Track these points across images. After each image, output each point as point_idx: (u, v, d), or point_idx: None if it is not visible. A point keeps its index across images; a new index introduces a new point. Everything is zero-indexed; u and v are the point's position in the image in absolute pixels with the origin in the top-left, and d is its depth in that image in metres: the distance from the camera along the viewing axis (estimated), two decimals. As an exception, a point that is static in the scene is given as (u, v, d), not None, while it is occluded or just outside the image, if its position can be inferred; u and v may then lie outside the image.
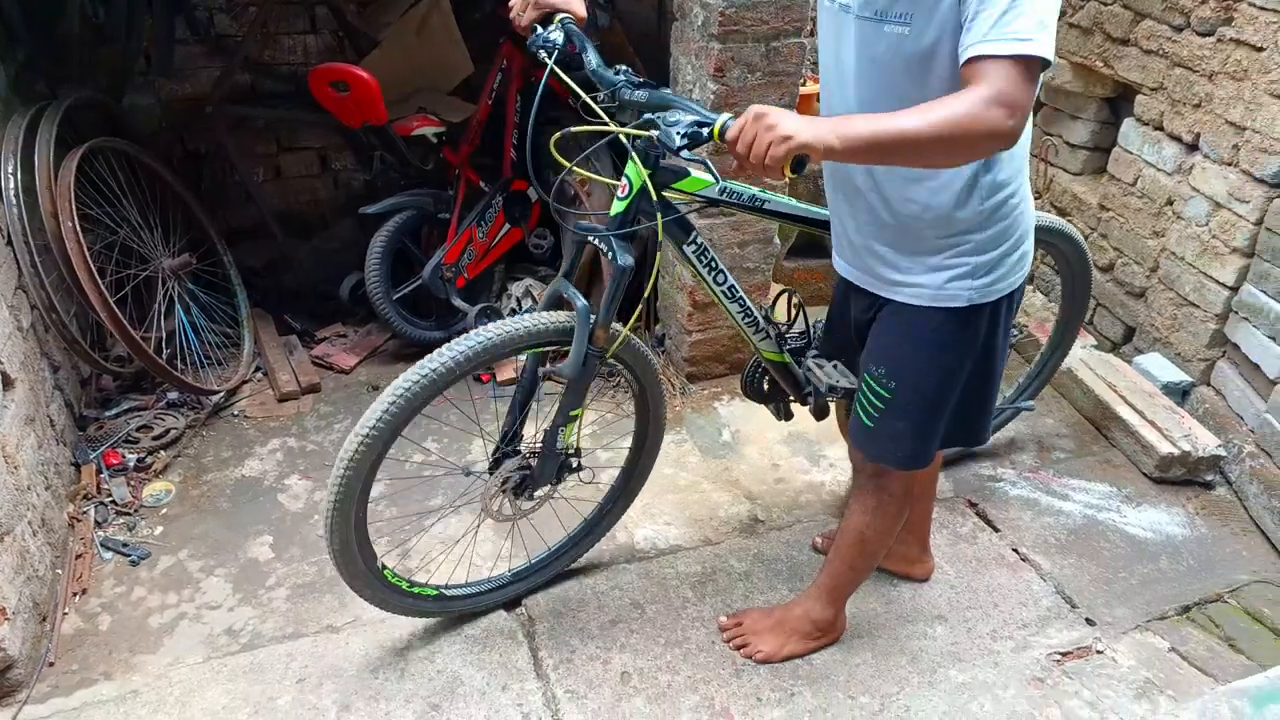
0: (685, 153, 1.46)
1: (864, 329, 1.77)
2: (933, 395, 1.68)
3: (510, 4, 1.83)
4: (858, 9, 1.43)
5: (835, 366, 2.15)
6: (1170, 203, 2.94)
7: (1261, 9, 2.51)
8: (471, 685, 1.94)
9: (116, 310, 2.41)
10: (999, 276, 1.58)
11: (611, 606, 2.16)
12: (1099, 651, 2.08)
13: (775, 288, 3.12)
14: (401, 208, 3.01)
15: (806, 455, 2.73)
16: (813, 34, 1.97)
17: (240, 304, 3.12)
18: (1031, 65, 1.24)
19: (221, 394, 2.81)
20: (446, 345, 1.71)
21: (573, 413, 1.86)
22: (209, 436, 2.71)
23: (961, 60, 1.28)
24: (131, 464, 2.50)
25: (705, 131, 1.43)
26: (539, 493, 2.02)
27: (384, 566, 1.93)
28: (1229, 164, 2.67)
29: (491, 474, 1.96)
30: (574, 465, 2.00)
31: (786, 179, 1.32)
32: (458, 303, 3.11)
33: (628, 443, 2.18)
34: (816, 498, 2.58)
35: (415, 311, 3.16)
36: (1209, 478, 2.65)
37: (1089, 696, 1.96)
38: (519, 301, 3.26)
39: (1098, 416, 2.88)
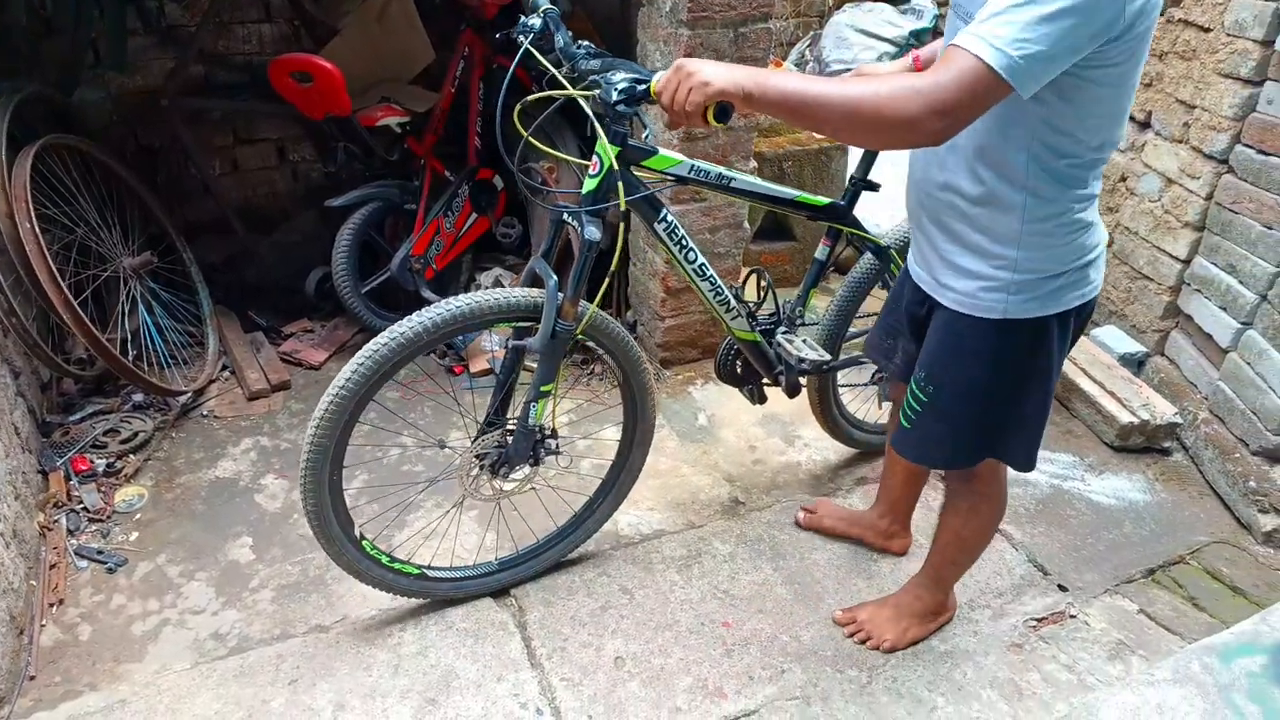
0: (622, 107, 1.59)
1: (918, 325, 1.76)
2: (968, 404, 1.66)
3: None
4: (955, 5, 1.47)
5: (805, 341, 2.21)
6: (1124, 179, 3.03)
7: (1209, -10, 2.60)
8: (466, 678, 1.95)
9: (80, 312, 2.35)
10: (1040, 295, 1.53)
11: (601, 593, 2.18)
12: (1072, 616, 2.16)
13: (745, 270, 3.16)
14: (367, 200, 2.97)
15: (781, 436, 2.78)
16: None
17: (202, 301, 3.06)
18: (982, 75, 1.18)
19: (189, 394, 2.76)
20: (417, 313, 1.75)
21: (544, 388, 1.89)
22: (179, 438, 2.66)
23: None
24: (101, 469, 2.45)
25: (641, 88, 1.56)
26: (517, 473, 2.03)
27: (362, 536, 1.95)
28: (1180, 141, 2.76)
29: (473, 443, 1.98)
30: (551, 447, 2.02)
31: (711, 127, 1.40)
32: (427, 294, 3.08)
33: (612, 434, 2.19)
34: (794, 477, 2.62)
35: (383, 304, 3.13)
36: (1167, 444, 2.76)
37: (1066, 660, 2.03)
38: (488, 291, 3.24)
39: (1059, 389, 2.97)
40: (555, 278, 1.79)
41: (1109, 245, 3.12)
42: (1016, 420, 1.68)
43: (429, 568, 2.08)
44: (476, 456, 1.98)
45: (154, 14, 2.94)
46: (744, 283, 2.28)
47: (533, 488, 2.09)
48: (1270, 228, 2.46)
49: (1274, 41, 2.42)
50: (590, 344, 1.98)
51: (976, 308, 1.57)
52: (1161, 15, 2.75)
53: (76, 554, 2.23)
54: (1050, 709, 1.91)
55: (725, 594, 2.19)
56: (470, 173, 3.21)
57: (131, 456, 2.53)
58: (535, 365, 1.88)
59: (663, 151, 1.82)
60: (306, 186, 3.46)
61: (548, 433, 2.00)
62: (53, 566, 2.17)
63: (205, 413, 2.77)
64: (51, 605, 2.09)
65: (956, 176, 1.50)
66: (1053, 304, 1.54)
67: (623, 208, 1.75)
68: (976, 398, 1.65)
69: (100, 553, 2.23)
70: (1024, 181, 1.44)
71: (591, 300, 1.88)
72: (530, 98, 1.73)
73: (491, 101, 3.23)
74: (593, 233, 1.74)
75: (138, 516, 2.37)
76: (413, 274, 3.06)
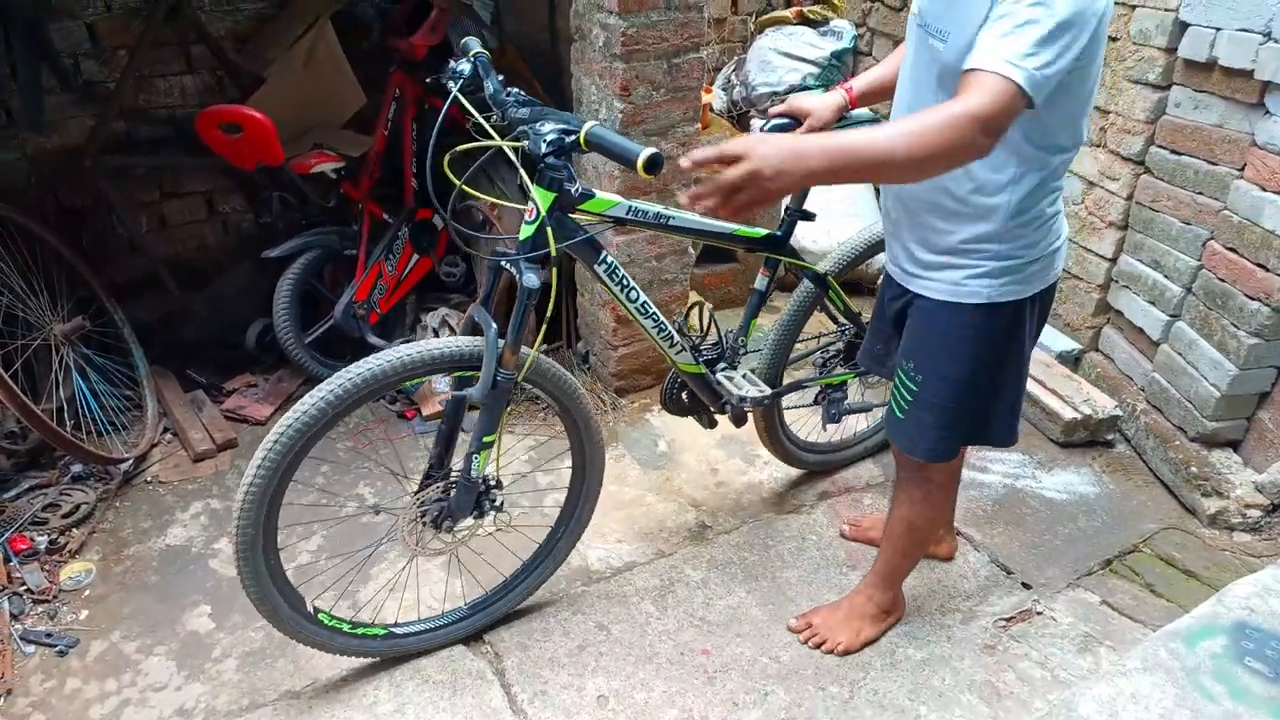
0: (551, 159, 1.60)
1: (897, 319, 1.84)
2: (954, 389, 1.74)
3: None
4: (921, 21, 1.55)
5: (745, 376, 2.23)
6: (1047, 184, 3.14)
7: (1114, 3, 2.72)
8: (448, 732, 1.91)
9: (10, 384, 2.25)
10: (1019, 279, 1.63)
11: (577, 632, 2.15)
12: (1039, 613, 2.22)
13: (693, 296, 3.18)
14: (307, 248, 2.92)
15: (741, 456, 2.80)
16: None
17: (138, 363, 2.96)
18: (1013, 92, 1.29)
19: (130, 461, 2.65)
20: (346, 369, 1.71)
21: (486, 439, 1.84)
22: (124, 508, 2.55)
23: (964, 66, 1.34)
24: (43, 547, 2.33)
25: (569, 139, 1.58)
26: (461, 526, 1.96)
27: (316, 610, 1.90)
28: (1098, 145, 2.88)
29: (413, 498, 1.93)
30: (494, 500, 1.95)
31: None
32: (374, 340, 3.03)
33: (567, 463, 2.17)
34: (757, 497, 2.64)
35: (328, 353, 3.07)
36: (1109, 437, 2.86)
37: (1038, 657, 2.08)
38: (435, 332, 3.21)
39: (1003, 390, 3.05)
40: (495, 326, 1.76)
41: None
42: (997, 402, 1.78)
43: (396, 625, 2.04)
44: (419, 511, 1.92)
45: (70, 72, 2.85)
46: (687, 314, 2.29)
47: (490, 532, 2.05)
48: (1189, 223, 2.59)
49: (1176, 49, 2.55)
50: (535, 390, 1.95)
51: (959, 294, 1.65)
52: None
53: (22, 639, 2.12)
54: (1028, 707, 1.95)
55: (702, 621, 2.19)
56: (409, 214, 3.18)
57: (75, 531, 2.42)
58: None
59: (600, 194, 1.81)
60: (239, 238, 3.37)
61: (492, 483, 1.95)
62: (-2, 655, 2.06)
63: (149, 479, 2.67)
64: (-1, 696, 1.98)
65: (949, 179, 1.57)
66: (1028, 287, 1.65)
67: (554, 254, 1.71)
68: (962, 384, 1.73)
69: (49, 635, 2.12)
70: (1010, 180, 1.54)
71: (538, 337, 1.87)
72: (459, 148, 1.72)
73: (425, 142, 3.22)
74: (531, 280, 1.71)
75: (86, 593, 2.26)
76: (357, 320, 3.01)
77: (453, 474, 1.92)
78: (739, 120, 4.09)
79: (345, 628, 1.94)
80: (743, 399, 2.19)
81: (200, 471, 2.71)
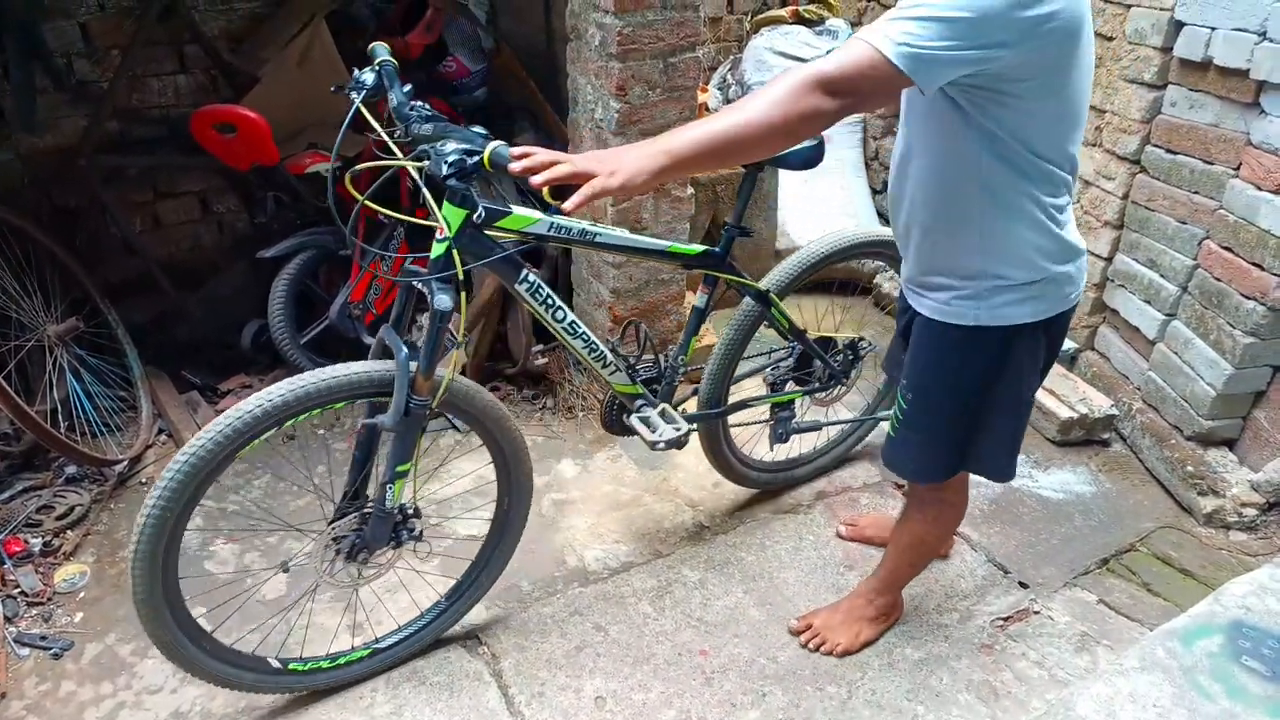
0: (454, 182, 1.53)
1: (905, 332, 1.83)
2: (939, 412, 1.71)
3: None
4: None
5: (662, 414, 2.16)
6: (1043, 184, 3.14)
7: (1108, 2, 2.73)
8: (445, 733, 1.90)
9: (4, 385, 2.24)
10: (1011, 302, 1.57)
11: (574, 633, 2.15)
12: (1036, 612, 2.22)
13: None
14: (302, 248, 2.91)
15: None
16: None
17: (132, 364, 2.94)
18: (872, 56, 1.27)
19: (125, 462, 2.64)
20: (255, 395, 1.63)
21: (400, 468, 1.77)
22: (119, 509, 2.54)
23: None
24: (37, 549, 2.32)
25: (471, 160, 1.51)
26: (378, 556, 1.90)
27: (285, 663, 1.89)
28: (1093, 144, 2.89)
29: (321, 536, 1.85)
30: (412, 529, 1.90)
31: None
32: (369, 340, 3.01)
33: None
34: (755, 497, 2.64)
35: (322, 353, 3.05)
36: (1105, 436, 2.86)
37: (1035, 656, 2.08)
38: (431, 332, 3.20)
39: (1000, 389, 3.06)
40: (405, 349, 1.68)
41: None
42: (986, 434, 1.72)
43: (377, 641, 2.02)
44: (333, 543, 1.85)
45: (63, 71, 2.83)
46: (623, 333, 2.25)
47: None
48: (1184, 222, 2.59)
49: (1172, 48, 2.55)
50: (442, 411, 1.82)
51: (947, 314, 1.63)
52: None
53: (17, 641, 2.10)
54: (1026, 707, 1.95)
55: (699, 622, 2.19)
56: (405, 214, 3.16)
57: (69, 533, 2.41)
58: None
59: (517, 211, 1.73)
60: (233, 238, 3.36)
61: (410, 512, 1.88)
62: (-9, 658, 2.05)
63: (144, 480, 2.66)
64: (-7, 700, 1.97)
65: (916, 198, 1.58)
66: (1021, 313, 1.58)
67: (459, 275, 1.63)
68: (945, 408, 1.71)
69: (43, 638, 2.11)
70: (976, 198, 1.50)
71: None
72: (358, 167, 1.63)
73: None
74: (444, 301, 1.64)
75: (81, 596, 2.25)
76: (352, 320, 3.00)
77: (367, 506, 1.85)
78: (735, 119, 4.09)
79: (324, 665, 1.92)
80: (655, 444, 2.10)
81: (195, 473, 2.69)
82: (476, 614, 2.14)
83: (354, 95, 1.70)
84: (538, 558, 2.36)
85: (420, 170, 1.59)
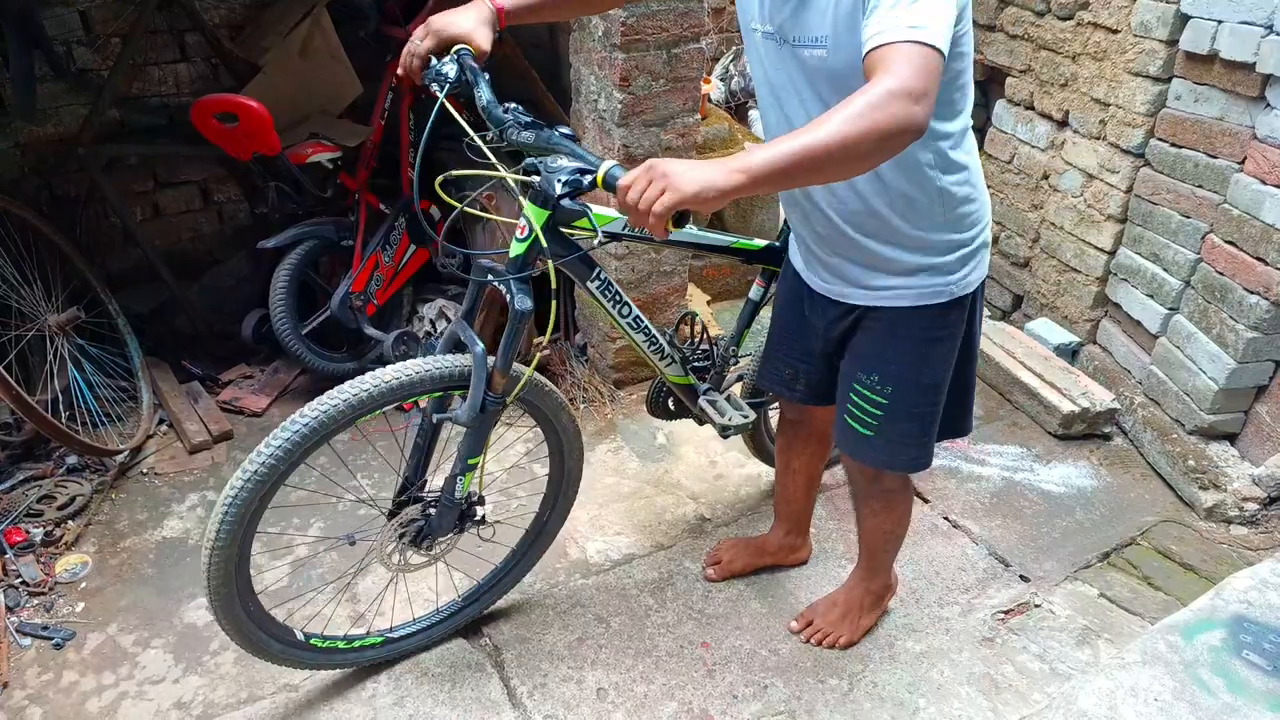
0: (567, 202, 1.44)
1: (841, 337, 1.75)
2: (930, 393, 1.71)
3: (413, 35, 1.68)
4: (778, 36, 1.45)
5: (729, 399, 2.16)
6: (1046, 177, 3.14)
7: (1115, -6, 2.72)
8: (447, 724, 1.91)
9: (5, 375, 2.23)
10: (970, 269, 1.63)
11: (576, 625, 2.15)
12: (1037, 605, 2.22)
13: (695, 298, 3.18)
14: (303, 238, 2.89)
15: (740, 449, 2.78)
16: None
17: (133, 354, 2.93)
18: (927, 51, 1.21)
19: (126, 452, 2.64)
20: (328, 393, 1.61)
21: (471, 461, 1.78)
22: (120, 499, 2.54)
23: (863, 54, 1.26)
24: (38, 539, 2.32)
25: (587, 180, 1.40)
26: (440, 543, 1.92)
27: (308, 637, 1.87)
28: (1097, 138, 2.88)
29: (389, 522, 1.85)
30: (476, 515, 1.91)
31: (668, 233, 1.23)
32: (370, 331, 3.01)
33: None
34: (756, 489, 2.64)
35: (324, 344, 3.05)
36: (1107, 430, 2.86)
37: (1036, 650, 2.09)
38: (433, 324, 3.20)
39: (1001, 383, 3.06)
40: (481, 345, 1.66)
41: (1035, 241, 3.23)
42: (968, 393, 1.79)
43: (392, 630, 2.03)
44: (397, 533, 1.86)
45: (63, 59, 2.81)
46: (677, 325, 2.25)
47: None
48: (1188, 216, 2.58)
49: (1177, 41, 2.54)
50: (516, 406, 1.81)
51: (923, 296, 1.62)
52: (1071, 19, 2.89)
53: (18, 631, 2.10)
54: (1027, 700, 1.96)
55: (701, 614, 2.19)
56: (406, 204, 3.16)
57: (70, 523, 2.41)
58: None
59: (596, 210, 1.70)
60: (234, 228, 3.35)
61: (474, 499, 1.89)
62: (-7, 648, 2.05)
63: (145, 470, 2.65)
64: (-5, 689, 1.97)
65: (872, 195, 1.53)
66: (979, 272, 1.65)
67: (554, 281, 1.57)
68: (937, 386, 1.71)
69: (45, 628, 2.11)
70: (934, 170, 1.51)
71: (545, 338, 1.80)
72: (451, 174, 1.58)
73: (422, 132, 3.19)
74: (524, 302, 1.63)
75: (83, 586, 2.25)
76: (354, 311, 2.99)
77: (430, 494, 1.86)
78: (736, 111, 4.08)
79: (341, 645, 1.92)
80: (726, 428, 2.12)
81: (196, 463, 2.69)
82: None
83: (435, 88, 1.58)
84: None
85: (520, 181, 1.51)
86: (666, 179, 1.18)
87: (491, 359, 1.67)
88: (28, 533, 2.33)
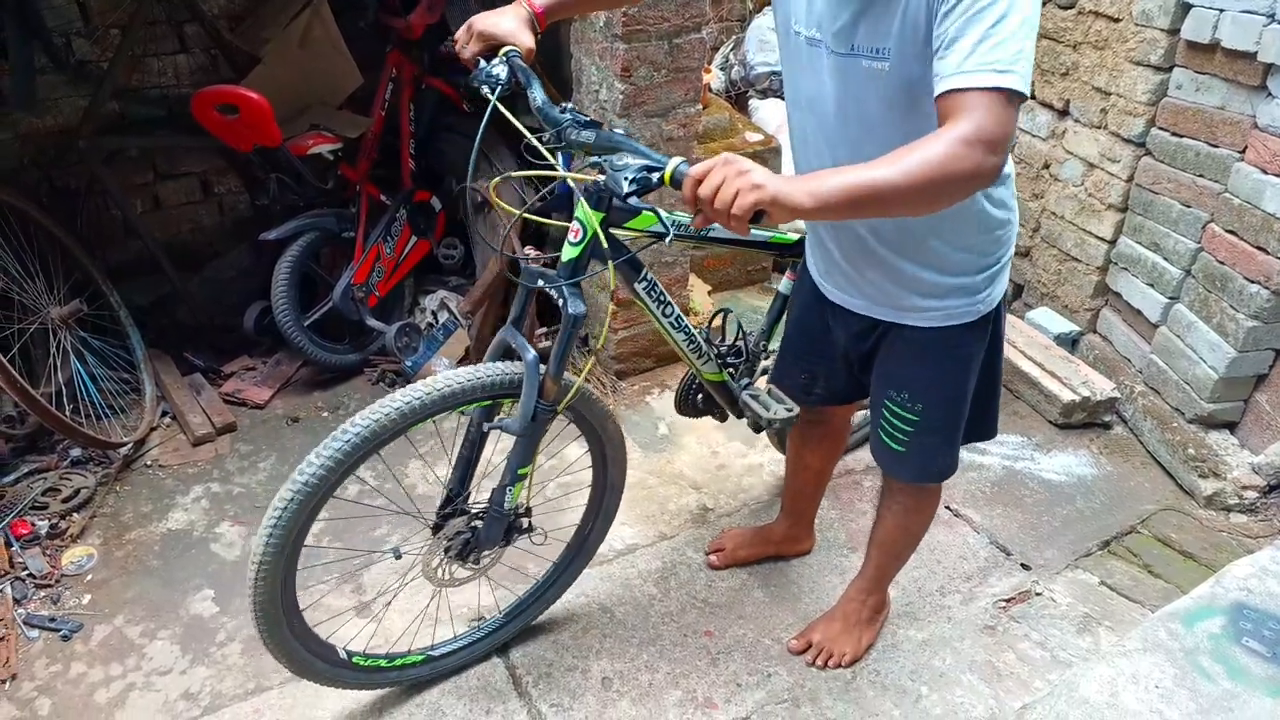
0: (635, 200, 1.39)
1: (864, 352, 1.76)
2: (958, 406, 1.71)
3: (455, 37, 1.69)
4: (831, 44, 1.38)
5: (771, 393, 2.11)
6: (1047, 166, 3.14)
7: (1117, -17, 2.71)
8: (454, 715, 1.92)
9: (9, 368, 2.23)
10: (998, 284, 1.62)
11: (580, 615, 2.16)
12: (1038, 594, 2.24)
13: (696, 289, 3.18)
14: (304, 230, 2.89)
15: (742, 439, 2.80)
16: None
17: (135, 346, 2.94)
18: (1011, 97, 1.18)
19: (129, 445, 2.64)
20: (379, 402, 1.58)
21: (521, 471, 1.75)
22: (125, 492, 2.55)
23: (936, 92, 1.22)
24: (44, 531, 2.33)
25: (655, 177, 1.36)
26: (485, 556, 1.89)
27: (350, 655, 1.84)
28: (1098, 127, 2.88)
29: (434, 536, 1.82)
30: (524, 526, 1.88)
31: (749, 231, 1.22)
32: (372, 323, 3.02)
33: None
34: (758, 479, 2.65)
35: (326, 336, 3.05)
36: (1107, 419, 2.87)
37: (1038, 638, 2.10)
38: (435, 315, 3.20)
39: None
40: (534, 352, 1.63)
41: (1036, 230, 3.24)
42: (989, 399, 1.79)
43: (433, 648, 1.98)
44: (442, 546, 1.82)
45: (62, 51, 2.80)
46: (710, 321, 2.24)
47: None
48: (1189, 206, 2.59)
49: (1179, 30, 2.54)
50: (565, 414, 1.78)
51: (952, 317, 1.61)
52: (1072, 8, 2.89)
53: (26, 624, 2.12)
54: (1029, 687, 1.97)
55: (704, 603, 2.20)
56: (407, 196, 3.16)
57: (76, 515, 2.41)
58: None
59: (646, 210, 1.66)
60: (235, 220, 3.34)
61: (521, 511, 1.86)
62: (1, 639, 2.06)
63: (149, 463, 2.66)
64: (3, 681, 1.98)
65: (920, 223, 1.50)
66: (1002, 285, 1.65)
67: (613, 284, 1.59)
68: (964, 399, 1.71)
69: (52, 620, 2.12)
70: (981, 196, 1.49)
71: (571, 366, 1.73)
72: (511, 175, 1.56)
73: (423, 123, 3.19)
74: (578, 306, 1.60)
75: (89, 578, 2.26)
76: (356, 303, 3.00)
77: (475, 505, 1.83)
78: (737, 100, 4.07)
79: (383, 663, 1.89)
80: (772, 422, 2.04)
81: (200, 455, 2.70)
82: (483, 599, 2.15)
83: (485, 90, 1.57)
84: (545, 548, 2.36)
85: (582, 184, 1.49)
86: (746, 176, 1.15)
87: (543, 367, 1.64)
88: (33, 525, 2.34)
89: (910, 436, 1.73)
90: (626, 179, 1.36)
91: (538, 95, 1.56)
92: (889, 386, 1.73)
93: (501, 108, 1.55)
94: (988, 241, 1.56)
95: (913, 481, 1.85)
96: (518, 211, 1.58)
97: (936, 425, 1.72)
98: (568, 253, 1.60)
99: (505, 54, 1.58)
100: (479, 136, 1.55)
